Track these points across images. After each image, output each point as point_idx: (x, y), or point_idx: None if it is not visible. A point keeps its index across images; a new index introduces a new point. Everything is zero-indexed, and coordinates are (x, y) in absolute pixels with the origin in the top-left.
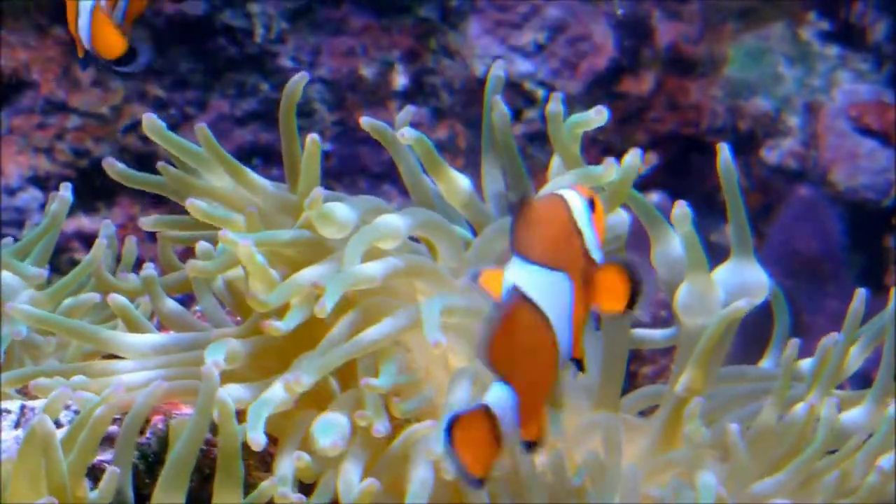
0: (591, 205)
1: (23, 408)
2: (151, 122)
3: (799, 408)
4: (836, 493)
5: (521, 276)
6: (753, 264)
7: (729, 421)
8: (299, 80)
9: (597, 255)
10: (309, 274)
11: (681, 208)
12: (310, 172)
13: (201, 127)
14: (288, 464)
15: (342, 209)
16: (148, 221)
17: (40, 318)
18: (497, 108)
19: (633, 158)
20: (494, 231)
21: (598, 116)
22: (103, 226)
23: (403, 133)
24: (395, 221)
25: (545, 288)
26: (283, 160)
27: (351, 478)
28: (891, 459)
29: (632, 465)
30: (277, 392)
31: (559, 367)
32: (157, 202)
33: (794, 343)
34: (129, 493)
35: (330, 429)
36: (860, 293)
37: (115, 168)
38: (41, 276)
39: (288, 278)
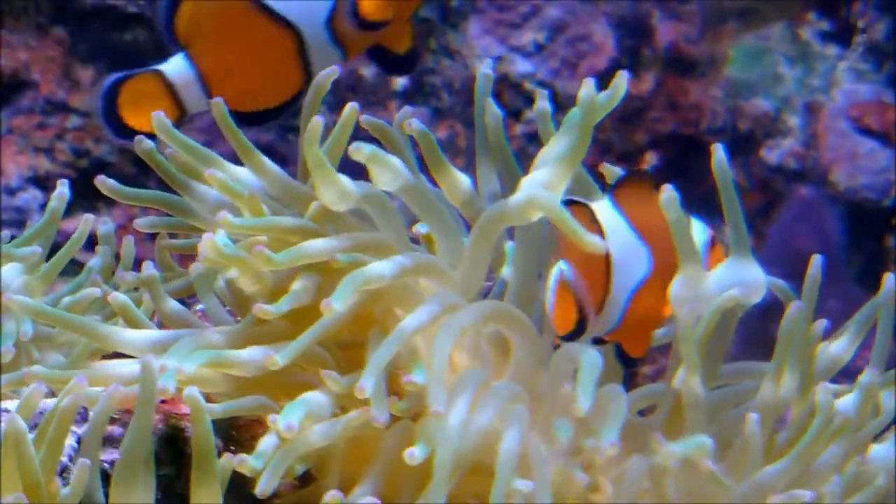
0: (711, 242)
1: None
2: (159, 120)
3: (783, 387)
4: (837, 477)
5: (604, 210)
6: (751, 263)
7: (729, 418)
8: (330, 73)
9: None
10: (318, 245)
11: (667, 192)
12: (338, 140)
13: (217, 102)
14: (271, 440)
15: (347, 180)
16: (143, 223)
17: (38, 310)
18: (489, 110)
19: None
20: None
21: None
22: (101, 222)
23: (410, 123)
24: (398, 161)
25: (623, 242)
26: (293, 157)
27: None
28: (891, 452)
29: (637, 457)
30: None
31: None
32: None
33: (798, 306)
34: (100, 497)
35: (295, 408)
36: (815, 260)
37: (106, 185)
38: (35, 254)
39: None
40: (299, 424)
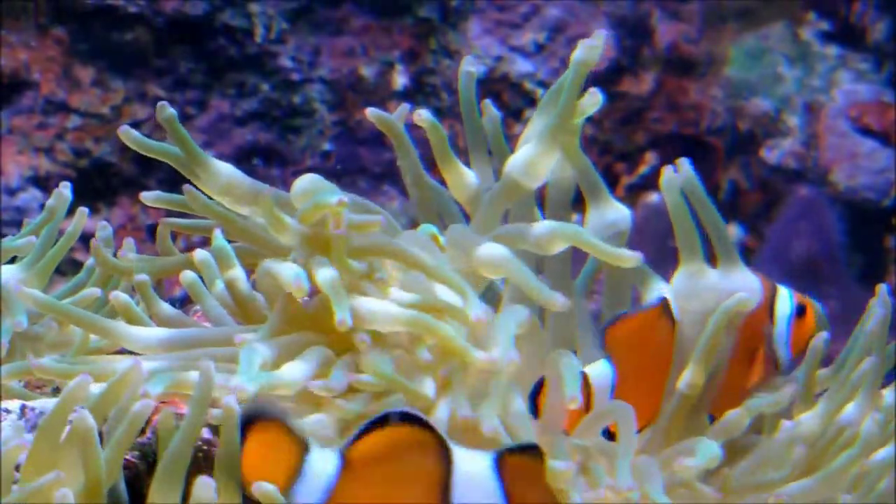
0: (801, 310)
1: (23, 408)
2: (163, 110)
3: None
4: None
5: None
6: (743, 270)
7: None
8: None
9: (781, 351)
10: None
11: (668, 173)
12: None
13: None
14: None
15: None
16: (149, 196)
17: (45, 303)
18: (488, 112)
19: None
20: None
21: (591, 99)
22: (100, 227)
23: (419, 114)
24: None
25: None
26: (293, 157)
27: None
28: (891, 452)
29: (646, 457)
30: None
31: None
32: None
33: (822, 335)
34: (122, 488)
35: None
36: (821, 336)
37: (130, 136)
38: (29, 245)
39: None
40: None
